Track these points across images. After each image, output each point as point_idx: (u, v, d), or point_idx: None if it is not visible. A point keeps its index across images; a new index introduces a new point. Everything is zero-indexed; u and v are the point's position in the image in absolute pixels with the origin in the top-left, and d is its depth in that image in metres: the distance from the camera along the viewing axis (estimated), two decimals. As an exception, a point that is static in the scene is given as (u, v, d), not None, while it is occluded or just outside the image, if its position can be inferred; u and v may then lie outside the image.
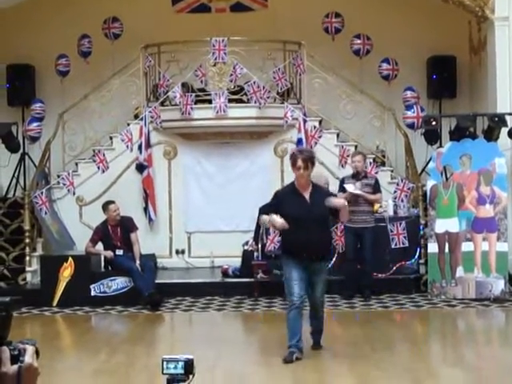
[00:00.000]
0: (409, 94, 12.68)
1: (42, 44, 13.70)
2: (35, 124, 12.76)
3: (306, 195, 7.42)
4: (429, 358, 8.03)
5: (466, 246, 10.71)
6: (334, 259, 10.75)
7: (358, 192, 10.55)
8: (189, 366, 3.74)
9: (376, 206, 11.21)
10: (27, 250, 11.87)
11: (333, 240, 8.02)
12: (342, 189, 10.80)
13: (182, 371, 3.74)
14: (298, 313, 7.34)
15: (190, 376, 3.78)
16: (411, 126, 12.49)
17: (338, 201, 7.51)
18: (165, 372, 3.78)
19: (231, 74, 12.07)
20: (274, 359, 7.43)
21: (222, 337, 8.83)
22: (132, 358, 7.87)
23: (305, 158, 7.33)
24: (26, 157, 13.58)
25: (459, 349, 8.29)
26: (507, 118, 10.94)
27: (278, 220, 7.15)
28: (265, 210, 7.72)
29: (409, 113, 12.46)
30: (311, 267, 7.37)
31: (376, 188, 10.75)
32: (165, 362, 3.77)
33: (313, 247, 7.27)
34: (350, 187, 10.61)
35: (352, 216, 10.67)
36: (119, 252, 10.96)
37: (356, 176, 10.76)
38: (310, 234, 7.21)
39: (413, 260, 11.36)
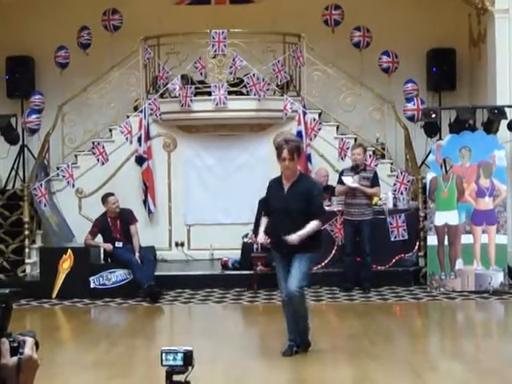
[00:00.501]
0: (410, 86, 12.68)
1: (41, 36, 13.68)
2: (34, 116, 12.75)
3: (286, 187, 7.16)
4: (428, 351, 8.04)
5: (466, 239, 10.72)
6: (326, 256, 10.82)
7: (356, 185, 10.55)
8: (188, 358, 3.75)
9: (375, 199, 11.21)
10: (26, 242, 11.87)
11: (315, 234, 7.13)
12: (340, 181, 10.81)
13: (181, 363, 3.75)
14: (289, 308, 7.22)
15: (190, 368, 3.79)
16: (411, 119, 12.49)
17: (291, 239, 6.91)
18: (164, 364, 3.79)
19: (231, 67, 12.05)
20: (274, 351, 7.43)
21: (221, 329, 8.84)
22: (131, 350, 7.88)
23: (291, 149, 6.95)
24: (25, 149, 13.58)
25: (458, 341, 8.29)
26: (507, 110, 10.94)
27: (258, 238, 7.38)
28: (260, 205, 7.84)
29: (409, 105, 12.46)
30: (290, 260, 7.09)
31: (374, 181, 10.74)
32: (164, 354, 3.78)
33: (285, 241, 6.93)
34: (348, 180, 10.61)
35: (350, 209, 10.71)
36: (118, 244, 10.96)
37: (355, 169, 10.75)
38: (284, 227, 6.95)
39: (412, 252, 11.37)
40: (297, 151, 7.01)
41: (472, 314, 9.99)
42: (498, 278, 10.59)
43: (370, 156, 11.91)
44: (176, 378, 3.82)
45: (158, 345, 7.34)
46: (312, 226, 6.98)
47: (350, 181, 10.60)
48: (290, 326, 7.31)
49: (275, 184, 7.36)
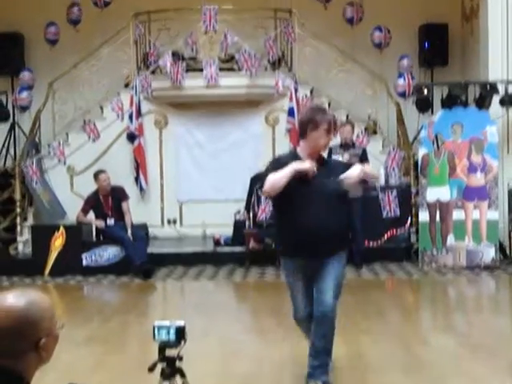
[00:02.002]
0: (405, 62, 12.64)
1: (31, 12, 13.57)
2: (25, 93, 12.69)
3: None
4: (419, 325, 8.08)
5: (457, 215, 10.75)
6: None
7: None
8: (181, 333, 3.76)
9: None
10: (18, 219, 11.85)
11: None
12: (328, 160, 10.78)
13: (174, 337, 3.76)
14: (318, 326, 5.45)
15: (182, 342, 3.80)
16: (402, 95, 12.47)
17: (354, 171, 5.34)
18: (157, 338, 3.80)
19: (222, 43, 11.99)
20: (266, 327, 7.46)
21: (213, 305, 8.87)
22: (124, 326, 7.89)
23: (330, 122, 5.40)
24: (16, 126, 13.51)
25: (450, 316, 8.34)
26: (499, 85, 10.93)
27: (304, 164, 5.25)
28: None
29: (400, 81, 12.44)
30: (315, 267, 5.37)
31: (363, 158, 10.73)
32: (157, 329, 3.79)
33: (326, 235, 5.27)
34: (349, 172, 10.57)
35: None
36: (110, 221, 10.95)
37: (344, 146, 10.74)
38: (320, 217, 5.24)
39: (404, 228, 11.39)
40: (335, 124, 5.57)
41: (463, 289, 10.04)
42: (489, 254, 10.63)
43: (362, 132, 11.90)
44: (169, 352, 3.84)
45: (150, 321, 7.33)
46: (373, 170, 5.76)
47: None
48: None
49: (291, 162, 5.27)
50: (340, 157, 10.60)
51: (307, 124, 5.34)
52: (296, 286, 5.49)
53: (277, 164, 5.35)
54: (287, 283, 5.56)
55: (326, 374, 5.47)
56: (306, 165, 5.20)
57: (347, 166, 5.58)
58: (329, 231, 5.27)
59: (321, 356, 5.46)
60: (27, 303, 2.19)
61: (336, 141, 11.33)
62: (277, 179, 5.17)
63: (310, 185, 5.24)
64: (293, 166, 5.17)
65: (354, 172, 5.29)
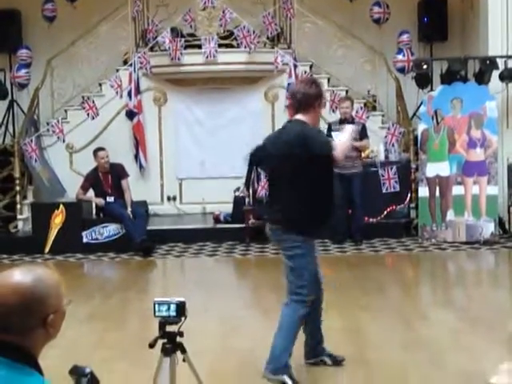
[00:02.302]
0: (405, 37, 12.59)
1: (27, -12, 13.48)
2: (23, 71, 12.65)
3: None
4: (419, 300, 8.12)
5: (457, 190, 10.76)
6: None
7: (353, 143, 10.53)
8: (181, 309, 3.78)
9: (367, 151, 11.22)
10: (18, 197, 11.85)
11: None
12: (329, 134, 10.78)
13: (174, 313, 3.78)
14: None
15: (183, 318, 3.82)
16: (401, 70, 12.44)
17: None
18: (157, 315, 3.82)
19: (221, 19, 11.94)
20: (266, 303, 7.49)
21: (214, 281, 8.90)
22: (125, 303, 7.93)
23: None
24: (15, 104, 13.47)
25: (449, 291, 8.38)
26: (498, 60, 10.89)
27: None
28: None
29: (399, 57, 12.40)
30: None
31: (363, 134, 10.73)
32: (157, 305, 3.81)
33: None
34: (337, 136, 10.57)
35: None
36: (110, 199, 10.96)
37: (343, 122, 10.72)
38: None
39: (404, 204, 11.41)
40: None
41: (463, 264, 10.07)
42: (488, 229, 10.65)
43: (362, 108, 11.88)
44: (169, 328, 3.86)
45: (151, 297, 7.36)
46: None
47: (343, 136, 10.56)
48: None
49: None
50: (339, 132, 10.58)
51: (316, 99, 5.26)
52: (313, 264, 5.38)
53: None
54: (307, 264, 5.28)
55: None
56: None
57: None
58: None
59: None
60: (34, 280, 2.20)
61: (336, 116, 11.35)
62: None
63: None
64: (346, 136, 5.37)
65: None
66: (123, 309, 7.70)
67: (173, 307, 3.77)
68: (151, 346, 3.85)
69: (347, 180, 10.69)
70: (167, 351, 3.85)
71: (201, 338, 6.07)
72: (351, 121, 10.78)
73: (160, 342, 3.86)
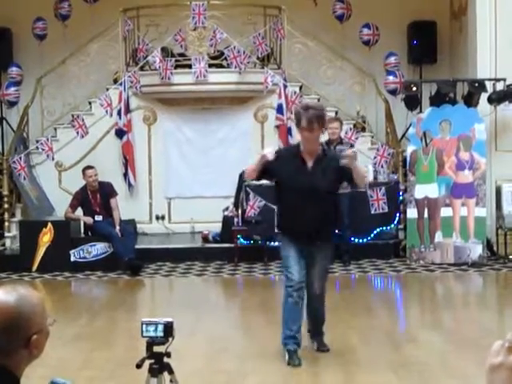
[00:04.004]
0: (393, 59, 12.67)
1: (18, 7, 13.48)
2: (13, 88, 12.63)
3: (309, 162, 6.03)
4: (407, 322, 8.11)
5: (445, 212, 10.78)
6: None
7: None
8: (168, 329, 3.76)
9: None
10: (6, 215, 11.81)
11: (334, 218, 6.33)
12: None
13: (161, 334, 3.76)
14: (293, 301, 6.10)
15: (170, 339, 3.80)
16: (393, 92, 12.50)
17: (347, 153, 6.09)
18: (144, 335, 3.80)
19: (211, 39, 11.98)
20: (254, 323, 7.47)
21: (202, 301, 8.87)
22: (112, 323, 7.89)
23: (310, 118, 5.88)
24: (4, 121, 13.46)
25: (437, 313, 8.37)
26: (487, 83, 10.96)
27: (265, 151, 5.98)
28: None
29: (390, 78, 12.47)
30: (308, 249, 6.11)
31: None
32: (144, 325, 3.79)
33: (311, 225, 5.99)
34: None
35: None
36: (98, 217, 10.92)
37: (331, 143, 10.75)
38: (307, 210, 5.92)
39: (392, 225, 11.42)
40: (319, 120, 5.91)
41: (451, 286, 10.08)
42: (476, 251, 10.68)
43: (351, 129, 11.92)
44: (156, 349, 3.84)
45: (138, 317, 7.34)
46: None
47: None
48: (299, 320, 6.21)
49: (290, 156, 6.11)
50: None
51: (296, 123, 6.00)
52: None
53: (274, 160, 5.97)
54: None
55: None
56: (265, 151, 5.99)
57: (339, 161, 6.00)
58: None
59: None
60: (18, 299, 2.16)
61: (324, 137, 11.37)
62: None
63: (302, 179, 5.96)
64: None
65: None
66: (110, 328, 7.66)
67: (160, 328, 3.75)
68: (138, 366, 3.82)
69: (336, 200, 10.69)
70: (154, 372, 3.82)
71: (188, 358, 6.04)
72: (339, 142, 10.81)
73: (147, 363, 3.84)
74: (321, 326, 6.46)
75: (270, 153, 5.88)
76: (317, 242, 6.06)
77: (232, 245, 11.10)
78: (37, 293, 2.27)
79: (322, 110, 6.12)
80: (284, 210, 6.22)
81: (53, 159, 12.02)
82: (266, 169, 5.98)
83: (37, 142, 12.33)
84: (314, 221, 5.94)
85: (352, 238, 11.04)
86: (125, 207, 11.58)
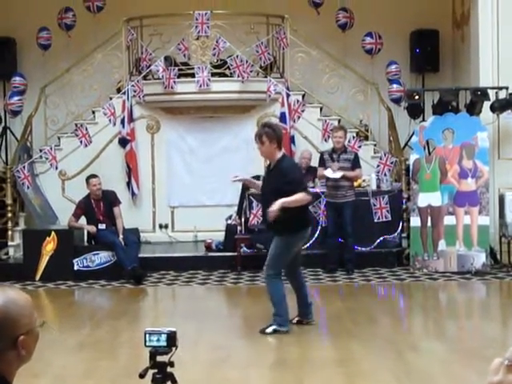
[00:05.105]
0: (394, 68, 12.69)
1: (22, 16, 13.55)
2: (16, 98, 12.66)
3: (268, 170, 7.62)
4: (410, 331, 8.10)
5: (448, 220, 10.78)
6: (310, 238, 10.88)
7: (338, 175, 10.58)
8: (171, 339, 3.76)
9: (359, 181, 11.26)
10: (9, 224, 11.83)
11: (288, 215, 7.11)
12: (321, 164, 10.85)
13: (164, 343, 3.76)
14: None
15: (173, 348, 3.80)
16: (397, 101, 12.53)
17: (271, 211, 7.05)
18: (148, 344, 3.80)
19: (214, 48, 12.01)
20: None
21: (205, 311, 8.86)
22: (115, 332, 7.88)
23: (257, 134, 7.36)
24: (8, 131, 13.48)
25: (440, 321, 8.37)
26: (489, 92, 10.97)
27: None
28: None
29: (394, 87, 12.50)
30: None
31: (355, 163, 10.77)
32: (147, 335, 3.79)
33: (266, 220, 7.34)
34: (329, 172, 10.64)
35: (332, 191, 10.76)
36: (102, 226, 10.94)
37: (335, 151, 10.77)
38: (263, 208, 7.54)
39: (395, 234, 11.42)
40: (265, 136, 7.19)
41: (454, 294, 10.07)
42: (480, 259, 10.67)
43: (354, 137, 11.94)
44: (160, 358, 3.84)
45: (141, 326, 7.36)
46: (296, 196, 7.12)
47: (331, 172, 10.65)
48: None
49: (268, 167, 7.81)
50: (330, 171, 10.65)
51: None
52: None
53: None
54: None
55: None
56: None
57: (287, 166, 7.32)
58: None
59: None
60: (5, 300, 2.15)
61: (328, 145, 11.40)
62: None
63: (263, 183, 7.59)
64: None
65: (271, 211, 6.99)
66: (113, 338, 7.65)
67: (163, 337, 3.75)
68: (142, 376, 3.82)
69: (339, 209, 10.72)
70: (158, 381, 3.82)
71: (192, 367, 6.04)
72: (344, 150, 10.83)
73: (150, 372, 3.84)
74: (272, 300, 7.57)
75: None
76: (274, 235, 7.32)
77: (235, 253, 11.10)
78: (25, 295, 2.27)
79: (263, 128, 7.38)
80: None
81: (56, 168, 12.05)
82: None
83: (40, 151, 12.37)
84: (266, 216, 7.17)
85: (355, 247, 11.04)
86: (128, 216, 11.60)
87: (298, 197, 7.14)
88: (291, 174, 7.27)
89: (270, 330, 7.35)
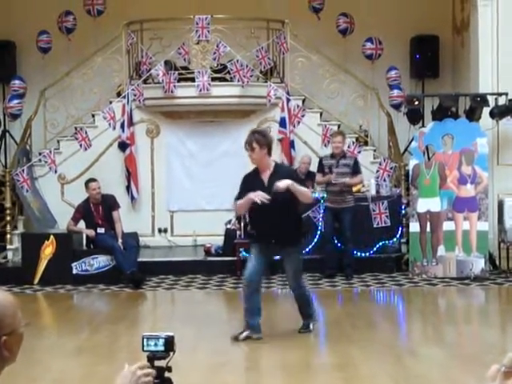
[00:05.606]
0: (393, 73, 12.70)
1: (22, 20, 13.56)
2: (15, 101, 12.66)
3: (265, 179, 7.18)
4: (410, 336, 8.09)
5: (448, 226, 10.78)
6: (310, 243, 10.89)
7: (342, 181, 10.58)
8: (169, 343, 3.74)
9: (358, 186, 11.27)
10: (8, 227, 11.82)
11: (300, 224, 7.38)
12: (320, 169, 10.84)
13: (162, 348, 3.75)
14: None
15: (171, 353, 3.79)
16: (397, 106, 12.53)
17: (282, 183, 6.92)
18: (145, 349, 3.79)
19: (214, 52, 12.01)
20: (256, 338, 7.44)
21: (204, 315, 8.85)
22: (114, 336, 7.87)
23: (246, 141, 7.25)
24: (7, 134, 13.48)
25: (439, 327, 8.36)
26: (489, 98, 10.98)
27: (249, 197, 6.98)
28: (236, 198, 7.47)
29: (395, 92, 12.50)
30: (280, 253, 7.47)
31: (355, 169, 10.77)
32: (145, 340, 3.78)
33: (273, 233, 7.10)
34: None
35: (331, 196, 10.75)
36: (101, 230, 10.93)
37: (335, 156, 10.77)
38: (270, 220, 7.01)
39: (394, 239, 11.42)
40: (255, 143, 7.10)
41: (453, 300, 10.06)
42: (479, 265, 10.66)
43: (353, 143, 11.94)
44: (157, 363, 3.83)
45: (140, 331, 7.34)
46: (305, 189, 7.18)
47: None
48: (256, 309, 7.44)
49: (251, 177, 7.31)
50: (330, 167, 10.65)
51: None
52: None
53: (242, 185, 7.41)
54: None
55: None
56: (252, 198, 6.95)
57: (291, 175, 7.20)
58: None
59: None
60: None
61: (327, 151, 11.40)
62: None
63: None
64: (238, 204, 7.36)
65: (282, 183, 6.83)
66: (112, 342, 7.64)
67: (161, 342, 3.74)
68: (139, 380, 3.81)
69: (338, 214, 10.71)
70: (155, 386, 3.81)
71: (190, 372, 6.03)
72: (343, 156, 10.83)
73: (148, 377, 3.83)
74: (304, 309, 7.55)
75: (257, 196, 6.88)
76: (278, 246, 7.19)
77: (234, 258, 11.09)
78: (10, 296, 2.25)
79: (253, 134, 7.26)
80: (253, 222, 7.54)
81: (56, 172, 12.04)
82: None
83: (40, 154, 12.36)
84: (272, 227, 7.03)
85: (354, 252, 11.03)
86: (127, 220, 11.59)
87: (307, 191, 7.18)
88: (297, 173, 7.36)
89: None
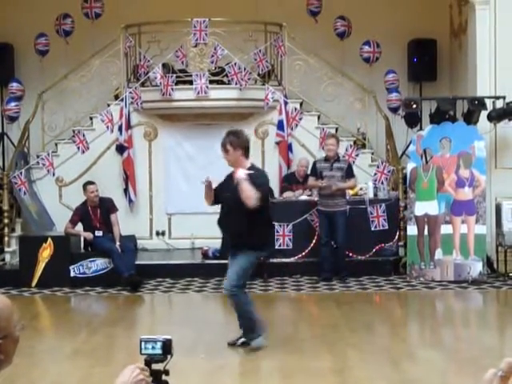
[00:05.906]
0: (391, 77, 12.72)
1: (20, 22, 13.57)
2: (13, 104, 12.66)
3: (234, 180, 7.08)
4: (407, 340, 8.09)
5: (445, 229, 10.78)
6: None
7: (339, 186, 10.58)
8: (167, 347, 3.74)
9: (355, 189, 11.28)
10: (6, 230, 11.81)
11: (255, 230, 6.98)
12: (313, 172, 10.85)
13: (160, 351, 3.75)
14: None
15: (169, 356, 3.79)
16: (395, 109, 12.54)
17: (237, 174, 6.93)
18: (143, 352, 3.78)
19: (212, 55, 12.02)
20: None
21: (201, 318, 8.86)
22: (111, 339, 7.87)
23: (222, 143, 7.20)
24: (5, 137, 13.48)
25: (437, 330, 8.36)
26: (487, 101, 10.99)
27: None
28: None
29: (393, 96, 12.51)
30: (234, 254, 7.22)
31: (348, 173, 10.78)
32: (143, 343, 3.77)
33: (229, 233, 7.29)
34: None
35: (324, 200, 10.76)
36: (99, 233, 10.92)
37: (328, 159, 10.78)
38: (228, 220, 7.19)
39: (392, 242, 11.42)
40: (228, 144, 7.08)
41: (451, 303, 10.06)
42: (476, 268, 10.67)
43: (351, 146, 11.95)
44: (155, 366, 3.83)
45: (137, 334, 7.33)
46: (251, 189, 6.79)
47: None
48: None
49: (228, 177, 7.35)
50: (324, 170, 10.67)
51: None
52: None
53: (220, 183, 7.49)
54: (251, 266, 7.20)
55: None
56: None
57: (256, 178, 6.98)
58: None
59: None
60: None
61: (321, 154, 11.41)
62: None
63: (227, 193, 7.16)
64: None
65: (237, 174, 6.88)
66: (109, 345, 7.64)
67: (159, 345, 3.74)
68: (137, 384, 3.81)
69: (331, 217, 10.71)
70: (153, 390, 3.80)
71: (187, 376, 6.03)
72: (337, 159, 10.84)
73: (146, 380, 3.83)
74: (241, 321, 7.36)
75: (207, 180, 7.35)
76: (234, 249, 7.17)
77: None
78: (5, 299, 2.24)
79: (227, 136, 7.16)
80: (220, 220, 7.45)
81: (53, 174, 12.04)
82: (215, 195, 7.37)
83: (37, 157, 12.36)
84: (229, 228, 7.20)
85: (350, 255, 11.04)
86: (125, 223, 11.59)
87: (252, 192, 6.77)
88: (262, 179, 7.09)
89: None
